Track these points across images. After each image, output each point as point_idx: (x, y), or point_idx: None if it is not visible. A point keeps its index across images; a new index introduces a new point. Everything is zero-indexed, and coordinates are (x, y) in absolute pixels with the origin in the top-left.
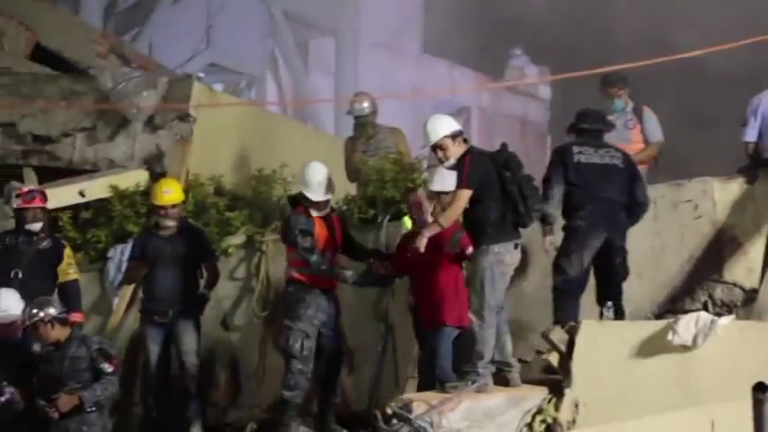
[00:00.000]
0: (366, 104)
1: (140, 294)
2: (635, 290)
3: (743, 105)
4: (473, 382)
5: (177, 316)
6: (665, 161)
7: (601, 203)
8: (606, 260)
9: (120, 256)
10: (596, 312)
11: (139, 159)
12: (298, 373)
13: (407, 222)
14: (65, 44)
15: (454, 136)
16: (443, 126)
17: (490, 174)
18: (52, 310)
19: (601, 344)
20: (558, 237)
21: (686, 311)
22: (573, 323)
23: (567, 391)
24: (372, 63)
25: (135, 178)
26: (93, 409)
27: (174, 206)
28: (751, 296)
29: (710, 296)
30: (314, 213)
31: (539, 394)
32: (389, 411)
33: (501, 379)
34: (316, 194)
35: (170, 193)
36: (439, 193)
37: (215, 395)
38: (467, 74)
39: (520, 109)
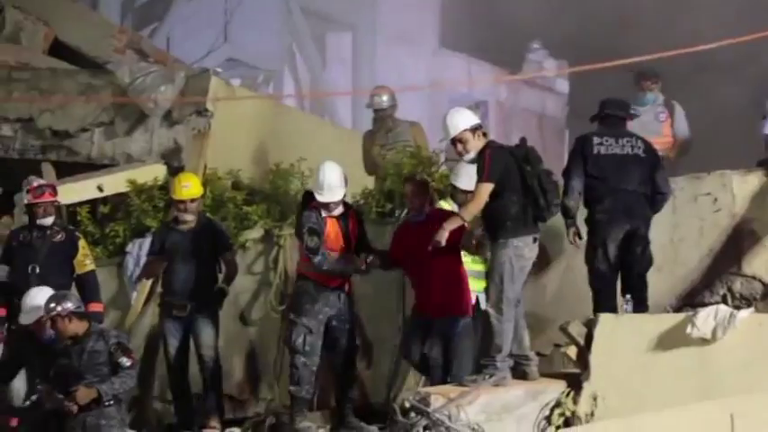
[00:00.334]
0: (386, 98)
1: (159, 289)
2: (654, 283)
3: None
4: (491, 376)
5: (196, 310)
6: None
7: (621, 195)
8: (628, 250)
9: (138, 250)
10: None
11: (157, 154)
12: (302, 367)
13: None
14: (83, 39)
15: (474, 130)
16: (463, 120)
17: (510, 168)
18: (69, 305)
19: (619, 337)
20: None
21: (705, 305)
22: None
23: (585, 384)
24: (389, 57)
25: (153, 173)
26: (112, 402)
27: (193, 200)
28: None
29: (729, 289)
30: (324, 213)
31: (557, 387)
32: (407, 404)
33: (519, 372)
34: (323, 196)
35: (189, 187)
36: (466, 192)
37: (233, 389)
38: (484, 68)
39: (538, 103)
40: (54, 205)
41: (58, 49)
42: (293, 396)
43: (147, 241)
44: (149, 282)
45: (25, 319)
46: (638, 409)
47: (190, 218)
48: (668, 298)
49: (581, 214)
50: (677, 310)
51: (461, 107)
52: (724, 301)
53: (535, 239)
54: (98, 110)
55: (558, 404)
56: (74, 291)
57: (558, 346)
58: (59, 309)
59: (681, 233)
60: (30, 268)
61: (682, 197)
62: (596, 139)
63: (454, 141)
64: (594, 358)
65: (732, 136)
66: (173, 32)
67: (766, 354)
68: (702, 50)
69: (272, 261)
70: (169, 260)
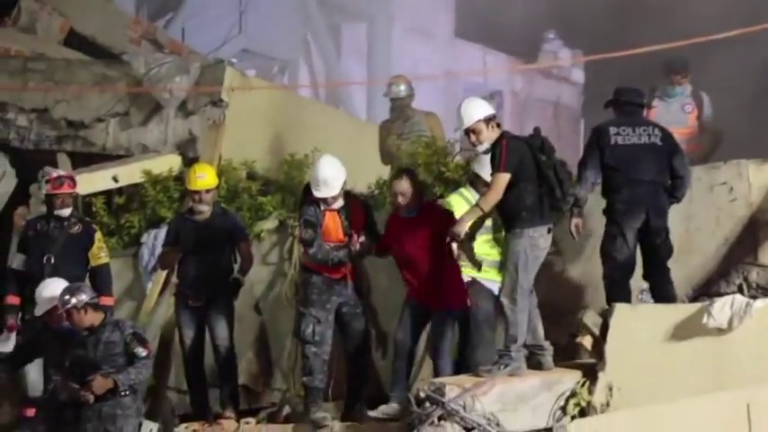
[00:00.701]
0: (403, 87)
1: (174, 279)
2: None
3: None
4: (506, 366)
5: (211, 300)
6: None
7: (638, 186)
8: (648, 240)
9: (153, 240)
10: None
11: (172, 144)
12: (313, 357)
13: (454, 201)
14: (98, 30)
15: (488, 120)
16: (478, 110)
17: (526, 158)
18: (84, 297)
19: (635, 327)
20: (594, 220)
21: (721, 294)
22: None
23: (600, 374)
24: (404, 47)
25: (168, 163)
26: (127, 392)
27: (208, 191)
28: None
29: (746, 279)
30: (323, 206)
31: (572, 377)
32: (422, 394)
33: (534, 362)
34: (319, 191)
35: (204, 177)
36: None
37: (248, 379)
38: (499, 58)
39: (553, 93)
40: (72, 196)
41: (74, 39)
42: (307, 386)
43: (163, 232)
44: (164, 272)
45: (39, 310)
46: (654, 399)
47: (205, 208)
48: (684, 288)
49: (599, 205)
50: (693, 299)
51: (476, 97)
52: (740, 290)
53: (549, 230)
54: (113, 100)
55: (573, 394)
56: (87, 282)
57: (573, 336)
58: (74, 301)
59: (697, 223)
60: (45, 258)
61: (698, 187)
62: (613, 130)
63: (468, 132)
64: (610, 348)
65: (749, 124)
66: (187, 23)
67: None
68: (718, 39)
69: (287, 251)
70: (184, 251)
